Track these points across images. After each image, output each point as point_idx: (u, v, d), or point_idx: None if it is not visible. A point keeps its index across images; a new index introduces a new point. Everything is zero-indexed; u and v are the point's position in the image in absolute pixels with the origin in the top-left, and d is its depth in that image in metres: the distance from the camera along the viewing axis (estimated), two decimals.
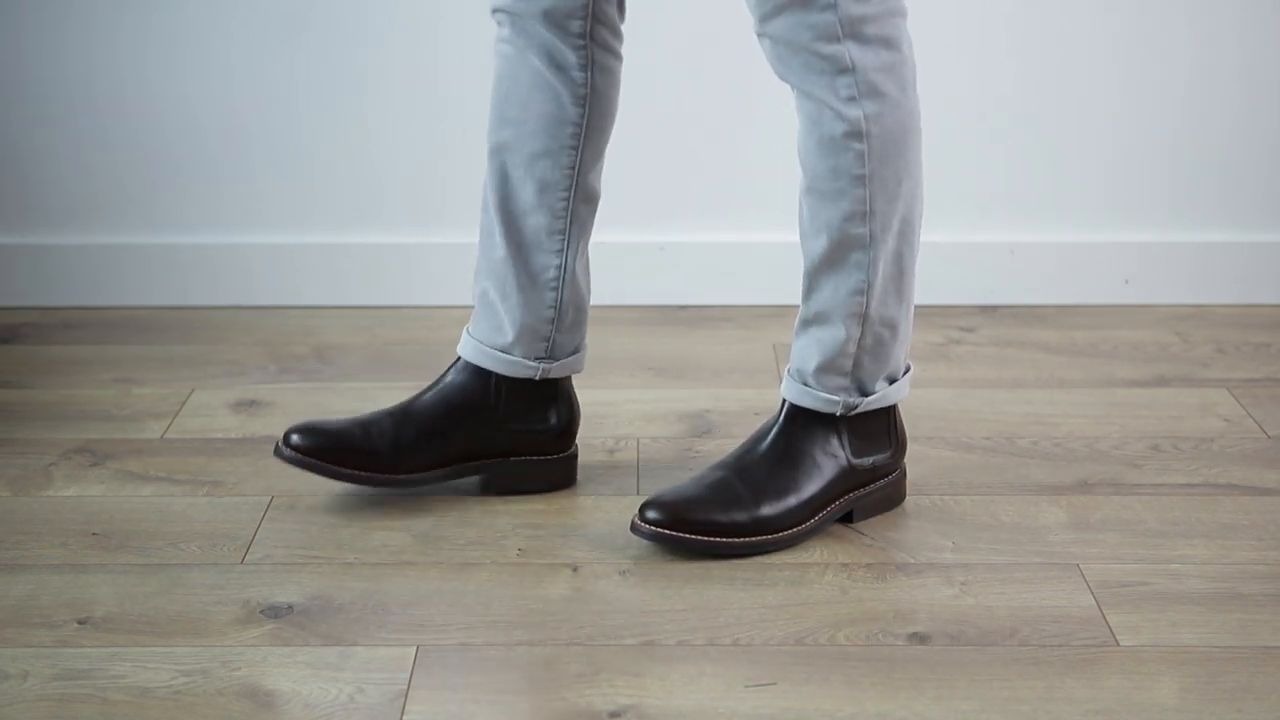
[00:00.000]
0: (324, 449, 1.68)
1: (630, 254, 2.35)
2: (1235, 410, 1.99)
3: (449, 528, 1.69)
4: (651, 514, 1.61)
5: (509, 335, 1.71)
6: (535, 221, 1.69)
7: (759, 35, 1.59)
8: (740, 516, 1.62)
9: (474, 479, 1.75)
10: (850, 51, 1.57)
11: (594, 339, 2.23)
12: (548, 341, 1.72)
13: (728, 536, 1.61)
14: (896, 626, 1.50)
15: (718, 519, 1.61)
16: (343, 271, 2.37)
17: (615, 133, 2.31)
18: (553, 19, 1.63)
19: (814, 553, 1.63)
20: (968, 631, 1.49)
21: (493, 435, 1.73)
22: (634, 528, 1.61)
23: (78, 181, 2.35)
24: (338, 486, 1.78)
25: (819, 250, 1.63)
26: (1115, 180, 2.37)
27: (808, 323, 1.66)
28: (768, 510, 1.62)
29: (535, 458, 1.75)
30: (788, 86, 1.61)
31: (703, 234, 2.36)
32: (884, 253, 1.63)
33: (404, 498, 1.75)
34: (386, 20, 2.29)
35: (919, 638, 1.48)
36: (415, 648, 1.46)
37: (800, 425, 1.66)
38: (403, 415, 1.72)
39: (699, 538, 1.60)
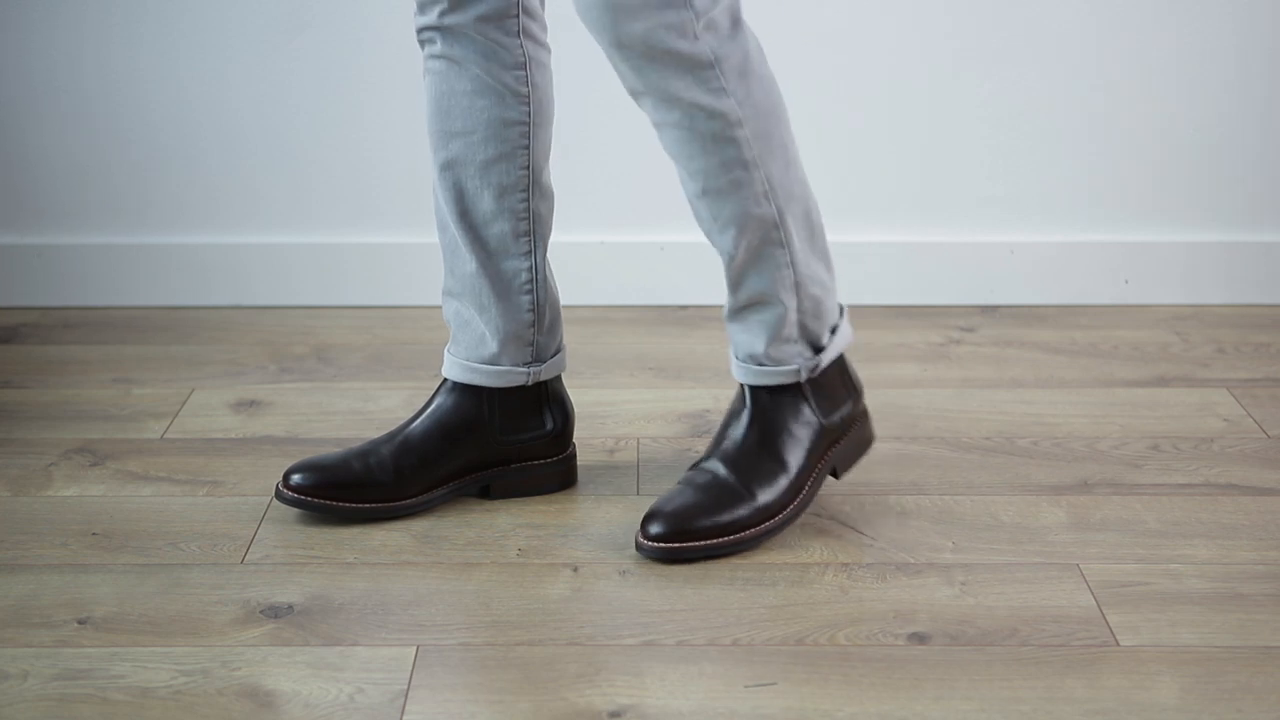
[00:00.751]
0: (325, 485, 1.67)
1: (630, 254, 2.35)
2: (1235, 410, 1.99)
3: (449, 528, 1.69)
4: (655, 529, 1.60)
5: (493, 346, 1.71)
6: (500, 228, 1.68)
7: (615, 49, 1.52)
8: (742, 511, 1.62)
9: (474, 488, 1.75)
10: (709, 44, 1.53)
11: (594, 339, 2.24)
12: (532, 345, 1.72)
13: (735, 534, 1.61)
14: (896, 626, 1.50)
15: (721, 520, 1.61)
16: (343, 271, 2.37)
17: (615, 134, 2.32)
18: (488, 22, 1.63)
19: (814, 553, 1.63)
20: (968, 631, 1.49)
21: (490, 448, 1.73)
22: (640, 547, 1.61)
23: (77, 181, 2.35)
24: None
25: (733, 243, 1.62)
26: (1115, 180, 2.37)
27: (742, 310, 1.65)
28: (765, 497, 1.63)
29: (535, 462, 1.75)
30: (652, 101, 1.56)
31: (703, 234, 2.35)
32: (794, 218, 1.63)
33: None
34: (385, 20, 2.29)
35: (919, 638, 1.48)
36: (415, 648, 1.46)
37: (769, 404, 1.67)
38: (401, 444, 1.70)
39: (708, 543, 1.60)
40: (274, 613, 1.52)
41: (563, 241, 2.37)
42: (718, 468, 1.65)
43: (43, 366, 2.14)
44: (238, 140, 2.34)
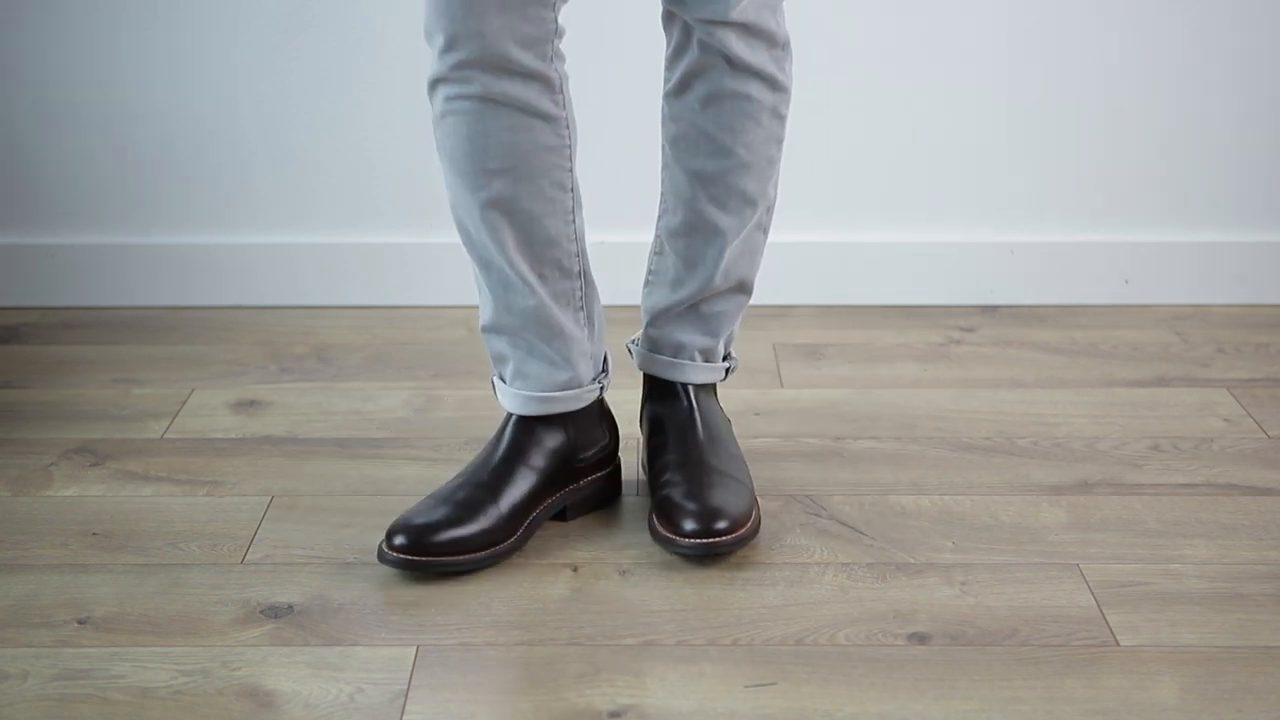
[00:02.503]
0: (435, 546, 1.58)
1: (630, 254, 2.35)
2: (1235, 410, 1.99)
3: None
4: (722, 525, 1.59)
5: (569, 370, 1.65)
6: (558, 253, 1.62)
7: (725, 25, 1.58)
8: (745, 500, 1.64)
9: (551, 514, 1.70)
10: (784, 27, 1.67)
11: None
12: (593, 358, 1.69)
13: (749, 525, 1.62)
14: (896, 626, 1.50)
15: (735, 512, 1.61)
16: (343, 271, 2.37)
17: (615, 133, 2.32)
18: (527, 50, 1.55)
19: (814, 553, 1.63)
20: (968, 631, 1.49)
21: (570, 471, 1.69)
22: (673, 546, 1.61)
23: (77, 181, 2.35)
24: (338, 486, 1.78)
25: (739, 223, 1.69)
26: (1115, 180, 2.37)
27: (717, 297, 1.72)
28: (747, 479, 1.68)
29: (597, 475, 1.71)
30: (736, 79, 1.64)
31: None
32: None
33: (403, 498, 1.74)
34: (386, 20, 2.29)
35: (919, 638, 1.48)
36: (415, 648, 1.46)
37: (707, 399, 1.75)
38: (493, 487, 1.63)
39: (736, 536, 1.60)
40: (274, 613, 1.52)
41: None
42: (704, 471, 1.66)
43: (43, 366, 2.14)
44: (238, 140, 2.34)
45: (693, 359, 1.73)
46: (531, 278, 1.61)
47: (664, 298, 1.75)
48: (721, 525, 1.59)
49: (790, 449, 1.87)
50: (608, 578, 1.59)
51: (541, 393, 1.65)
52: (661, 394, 1.76)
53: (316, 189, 2.36)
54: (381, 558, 1.57)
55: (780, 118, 1.68)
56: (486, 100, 1.56)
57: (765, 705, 1.38)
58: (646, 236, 2.40)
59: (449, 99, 1.58)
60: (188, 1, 2.28)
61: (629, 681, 1.41)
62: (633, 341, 1.80)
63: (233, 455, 1.86)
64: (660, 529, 1.61)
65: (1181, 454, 1.86)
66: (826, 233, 2.38)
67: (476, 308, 2.36)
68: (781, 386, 2.08)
